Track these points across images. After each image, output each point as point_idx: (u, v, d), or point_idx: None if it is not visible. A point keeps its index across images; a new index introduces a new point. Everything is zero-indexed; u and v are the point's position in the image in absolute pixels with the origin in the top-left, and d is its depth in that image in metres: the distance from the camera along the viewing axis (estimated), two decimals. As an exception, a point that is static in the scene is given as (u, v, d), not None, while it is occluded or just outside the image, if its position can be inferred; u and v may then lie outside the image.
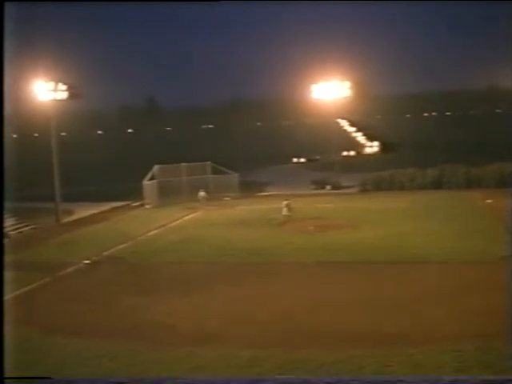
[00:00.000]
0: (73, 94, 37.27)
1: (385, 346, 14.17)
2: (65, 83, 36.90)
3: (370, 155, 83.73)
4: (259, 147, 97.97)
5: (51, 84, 36.65)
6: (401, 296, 18.59)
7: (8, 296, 20.56)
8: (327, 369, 12.80)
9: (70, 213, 41.01)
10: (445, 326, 15.60)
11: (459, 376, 10.83)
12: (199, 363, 13.80)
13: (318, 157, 76.08)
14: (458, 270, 21.14)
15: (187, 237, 30.39)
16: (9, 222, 34.46)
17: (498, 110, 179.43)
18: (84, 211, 41.46)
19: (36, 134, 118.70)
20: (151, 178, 42.98)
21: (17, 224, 34.67)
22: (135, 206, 43.03)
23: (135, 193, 43.89)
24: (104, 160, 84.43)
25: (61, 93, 37.02)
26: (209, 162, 45.81)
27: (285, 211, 34.27)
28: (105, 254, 27.39)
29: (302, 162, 76.74)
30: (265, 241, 28.56)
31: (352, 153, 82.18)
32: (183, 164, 45.06)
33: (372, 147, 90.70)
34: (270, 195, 47.06)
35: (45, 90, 36.52)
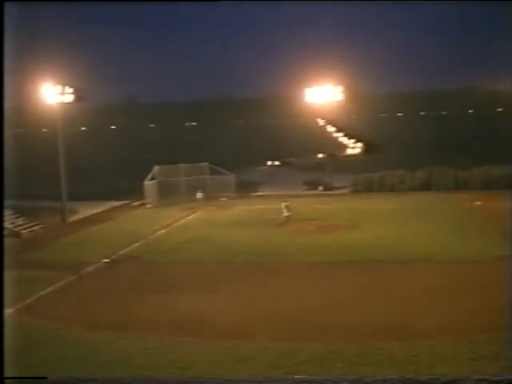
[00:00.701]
0: (78, 97, 38.39)
1: (407, 338, 15.90)
2: (71, 86, 37.97)
3: (349, 156, 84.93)
4: (244, 147, 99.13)
5: (55, 87, 37.73)
6: (408, 293, 20.35)
7: (39, 294, 21.95)
8: (363, 358, 14.48)
9: (72, 212, 41.94)
10: (456, 320, 17.35)
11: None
12: (245, 354, 15.38)
13: (292, 159, 76.76)
14: (458, 269, 23.01)
15: (194, 237, 31.81)
16: (18, 221, 35.58)
17: (470, 111, 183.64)
18: (86, 210, 42.42)
19: (20, 130, 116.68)
20: (152, 179, 44.24)
21: (26, 223, 35.72)
22: (136, 206, 44.26)
23: (133, 192, 45.20)
24: (96, 158, 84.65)
25: (67, 95, 38.08)
26: (206, 163, 47.21)
27: (285, 212, 35.90)
28: (121, 252, 28.71)
29: (277, 165, 75.48)
30: (270, 241, 30.16)
31: (325, 155, 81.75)
32: (182, 165, 46.36)
33: (354, 148, 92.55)
34: (263, 195, 48.63)
35: (52, 93, 37.60)
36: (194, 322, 18.38)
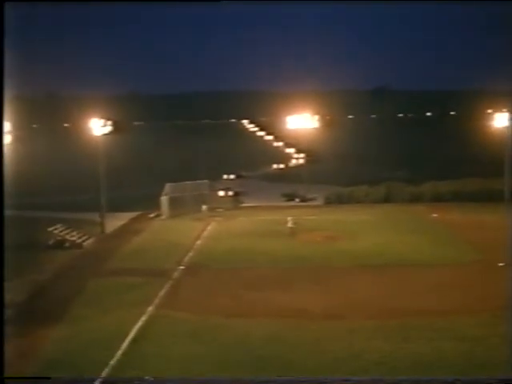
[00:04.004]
0: (117, 129, 45.62)
1: (449, 314, 25.32)
2: (109, 119, 45.16)
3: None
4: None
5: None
6: (430, 286, 29.86)
7: (159, 295, 29.50)
8: (420, 329, 23.69)
9: (95, 223, 47.53)
10: (476, 303, 26.92)
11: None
12: (350, 328, 24.16)
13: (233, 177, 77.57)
14: (452, 270, 32.90)
15: (232, 247, 39.70)
16: (74, 234, 42.34)
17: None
18: (109, 222, 48.71)
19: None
20: (165, 194, 52.14)
21: (81, 236, 42.49)
22: (152, 217, 51.76)
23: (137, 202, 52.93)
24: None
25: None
26: (206, 181, 55.60)
27: (290, 224, 44.84)
28: (185, 260, 36.53)
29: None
30: (295, 250, 38.71)
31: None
32: (187, 182, 54.36)
33: (298, 159, 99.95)
34: (252, 207, 57.28)
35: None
36: (293, 310, 26.78)
